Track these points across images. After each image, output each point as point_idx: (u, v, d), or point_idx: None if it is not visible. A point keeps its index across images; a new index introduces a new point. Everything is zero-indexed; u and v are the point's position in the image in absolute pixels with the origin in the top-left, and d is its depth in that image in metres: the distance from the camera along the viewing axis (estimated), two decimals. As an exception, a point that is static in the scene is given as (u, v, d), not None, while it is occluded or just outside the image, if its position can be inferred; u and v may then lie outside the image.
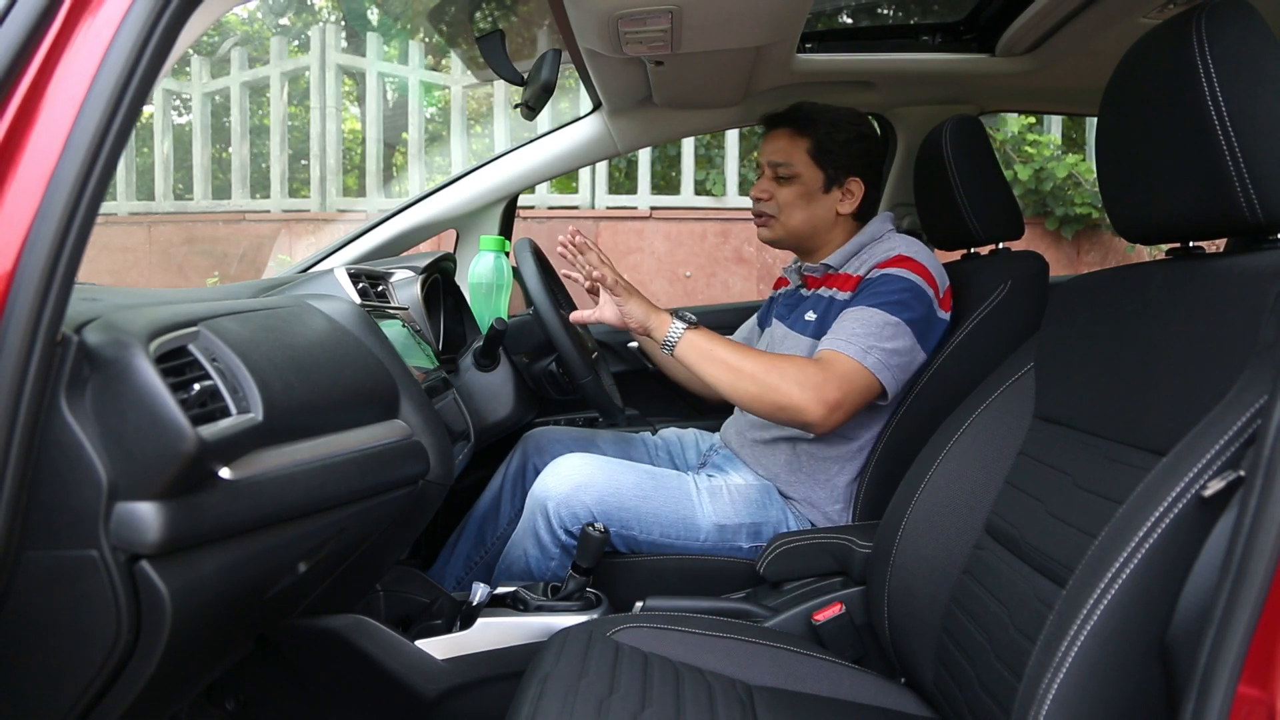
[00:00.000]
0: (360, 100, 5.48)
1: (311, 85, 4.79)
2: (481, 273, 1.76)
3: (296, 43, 5.61)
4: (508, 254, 1.82)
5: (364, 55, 4.82)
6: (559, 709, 0.89)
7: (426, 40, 4.93)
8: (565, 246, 1.39)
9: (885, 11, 2.39)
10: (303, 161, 5.13)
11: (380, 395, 1.05)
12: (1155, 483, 0.71)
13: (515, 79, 1.53)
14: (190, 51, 4.66)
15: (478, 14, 1.91)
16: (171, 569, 0.69)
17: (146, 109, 3.45)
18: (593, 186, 4.54)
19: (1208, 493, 0.66)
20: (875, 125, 1.60)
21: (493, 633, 1.24)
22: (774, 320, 1.68)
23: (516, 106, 1.61)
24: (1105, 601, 0.68)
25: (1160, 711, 0.67)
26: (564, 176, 3.16)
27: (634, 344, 1.89)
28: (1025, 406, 1.07)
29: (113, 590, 0.66)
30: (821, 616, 1.23)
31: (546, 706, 0.89)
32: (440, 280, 1.64)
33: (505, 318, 1.76)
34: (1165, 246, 0.94)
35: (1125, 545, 0.69)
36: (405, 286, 1.48)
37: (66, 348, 0.65)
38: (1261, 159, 0.77)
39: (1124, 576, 0.68)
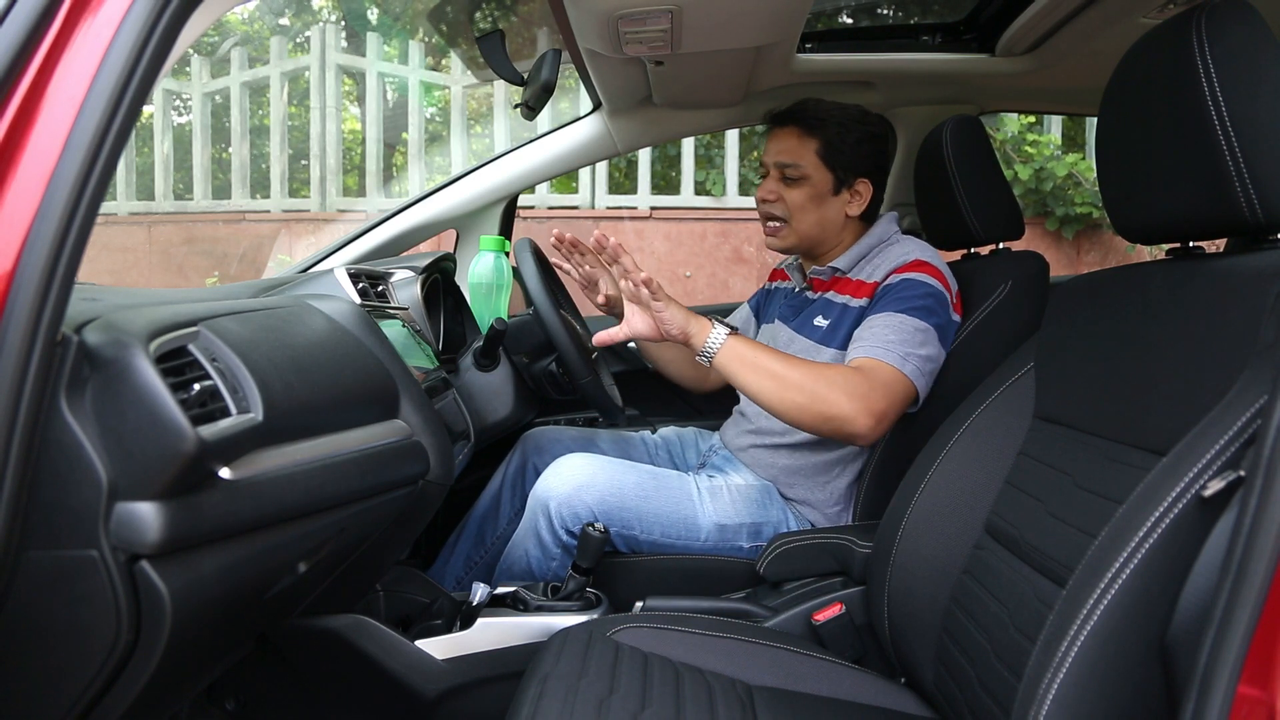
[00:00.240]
0: (360, 100, 5.48)
1: (311, 85, 4.79)
2: (481, 273, 1.76)
3: (295, 42, 5.62)
4: (508, 254, 1.82)
5: (364, 55, 4.82)
6: (559, 709, 0.89)
7: (426, 40, 4.93)
8: (592, 250, 1.30)
9: (885, 11, 2.39)
10: (303, 161, 5.13)
11: (380, 395, 1.05)
12: (1155, 483, 0.71)
13: (515, 79, 1.53)
14: (190, 51, 4.66)
15: (478, 14, 1.91)
16: (171, 569, 0.69)
17: (146, 109, 3.45)
18: (593, 186, 4.54)
19: (1208, 493, 0.66)
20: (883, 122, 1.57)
21: (493, 633, 1.24)
22: (776, 320, 1.65)
23: (516, 106, 1.61)
24: (1105, 601, 0.68)
25: (1160, 711, 0.67)
26: (564, 176, 3.17)
27: (633, 343, 1.88)
28: (1025, 406, 1.07)
29: (113, 590, 0.66)
30: (821, 616, 1.23)
31: (546, 706, 0.89)
32: (440, 280, 1.64)
33: (505, 318, 1.76)
34: (1165, 246, 0.94)
35: (1125, 545, 0.69)
36: (405, 286, 1.47)
37: (66, 348, 0.65)
38: (1261, 159, 0.77)
39: (1124, 576, 0.68)
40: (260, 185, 4.93)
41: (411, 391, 1.12)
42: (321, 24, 6.02)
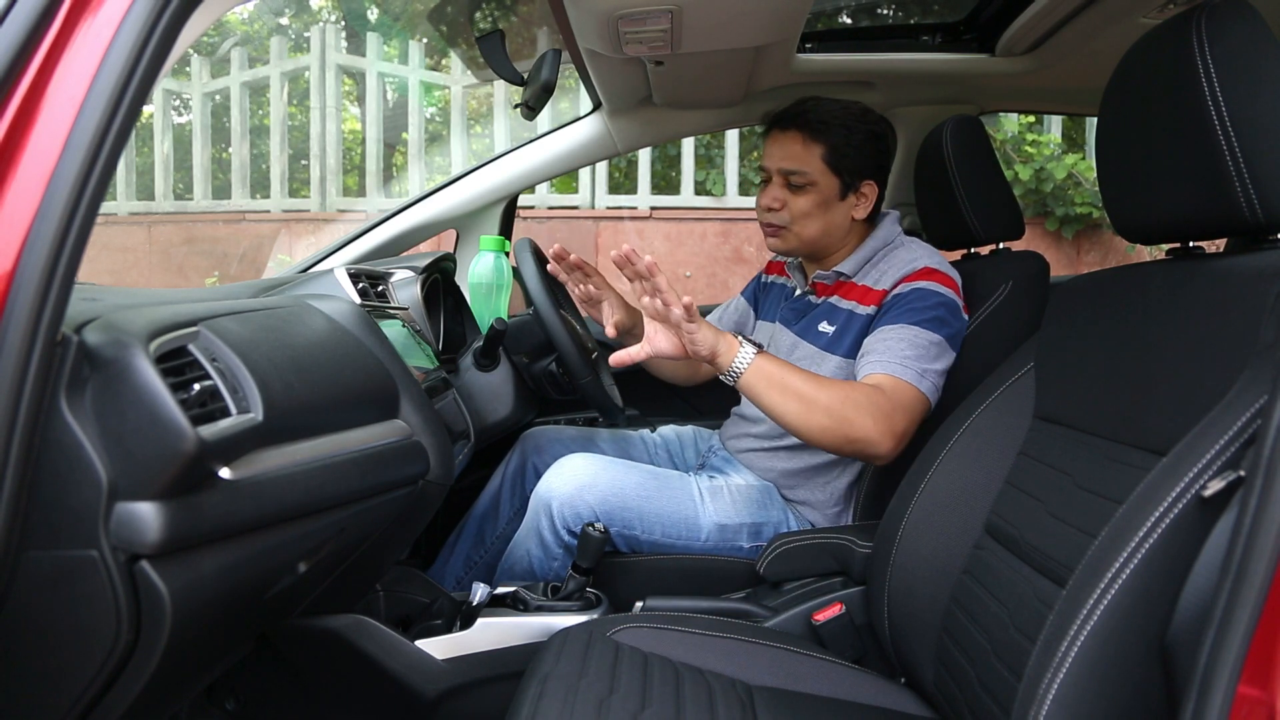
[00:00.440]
0: (360, 100, 5.48)
1: (311, 85, 4.79)
2: (481, 273, 1.76)
3: (295, 41, 5.61)
4: (508, 254, 1.82)
5: (364, 55, 4.83)
6: (559, 709, 0.89)
7: (426, 41, 4.93)
8: (623, 266, 1.16)
9: (885, 11, 2.39)
10: (303, 161, 5.13)
11: (380, 395, 1.05)
12: (1155, 483, 0.71)
13: (515, 79, 1.52)
14: (190, 51, 4.66)
15: (478, 14, 1.91)
16: (171, 569, 0.69)
17: (146, 109, 3.45)
18: (593, 186, 4.54)
19: (1208, 493, 0.66)
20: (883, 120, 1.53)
21: (493, 633, 1.24)
22: (777, 322, 1.62)
23: (516, 106, 1.61)
24: (1105, 601, 0.68)
25: (1160, 711, 0.67)
26: (564, 176, 3.17)
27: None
28: (1025, 406, 1.07)
29: (113, 590, 0.66)
30: (821, 616, 1.23)
31: (546, 706, 0.89)
32: (440, 280, 1.64)
33: (505, 318, 1.76)
34: (1165, 246, 0.94)
35: (1125, 545, 0.69)
36: (405, 286, 1.48)
37: (66, 348, 0.65)
38: (1261, 159, 0.77)
39: (1124, 576, 0.68)
40: (260, 185, 4.93)
41: (411, 391, 1.12)
42: (321, 24, 6.03)
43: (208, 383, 0.74)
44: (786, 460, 1.50)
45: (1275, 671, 0.51)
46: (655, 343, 1.20)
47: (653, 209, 4.49)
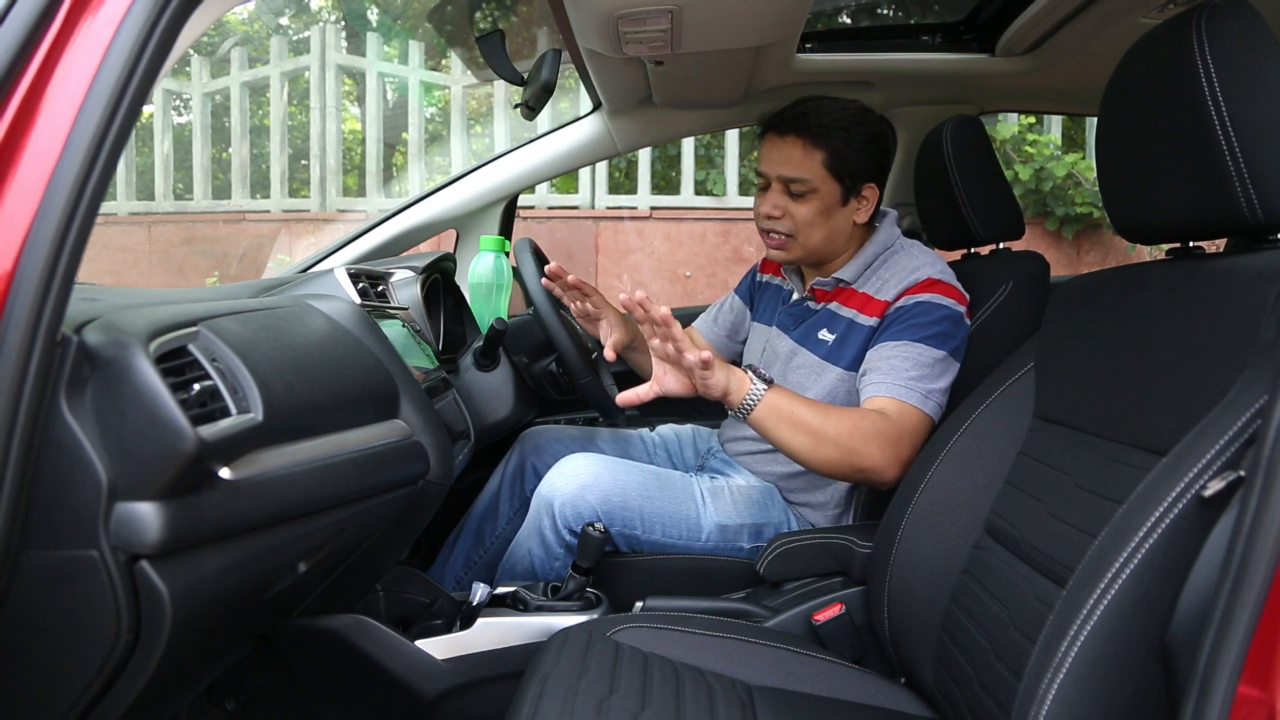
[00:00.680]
0: (360, 100, 5.48)
1: (311, 85, 4.79)
2: (481, 273, 1.76)
3: (296, 39, 5.62)
4: (508, 254, 1.82)
5: (364, 55, 4.83)
6: (559, 709, 0.89)
7: (426, 40, 4.94)
8: (639, 312, 1.14)
9: (885, 11, 2.39)
10: (303, 161, 5.13)
11: (380, 395, 1.05)
12: (1155, 483, 0.71)
13: (515, 79, 1.52)
14: (190, 51, 4.66)
15: (478, 14, 1.91)
16: (171, 569, 0.69)
17: (146, 109, 3.45)
18: (593, 186, 4.54)
19: (1208, 493, 0.66)
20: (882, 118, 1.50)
21: (493, 633, 1.24)
22: (774, 326, 1.59)
23: (516, 106, 1.61)
24: (1105, 601, 0.68)
25: (1160, 711, 0.67)
26: (564, 176, 3.17)
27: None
28: (1025, 406, 1.07)
29: (113, 590, 0.66)
30: (821, 616, 1.23)
31: (546, 706, 0.89)
32: (440, 280, 1.64)
33: (505, 318, 1.76)
34: (1165, 246, 0.94)
35: (1125, 545, 0.69)
36: (405, 286, 1.48)
37: (66, 348, 0.65)
38: (1261, 159, 0.77)
39: (1124, 576, 0.68)
40: (260, 185, 4.93)
41: (411, 391, 1.12)
42: (321, 24, 6.03)
43: (208, 383, 0.74)
44: (785, 464, 1.49)
45: (1275, 671, 0.51)
46: (665, 383, 1.19)
47: (653, 209, 4.49)
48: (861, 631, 1.23)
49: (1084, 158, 4.30)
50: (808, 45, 1.75)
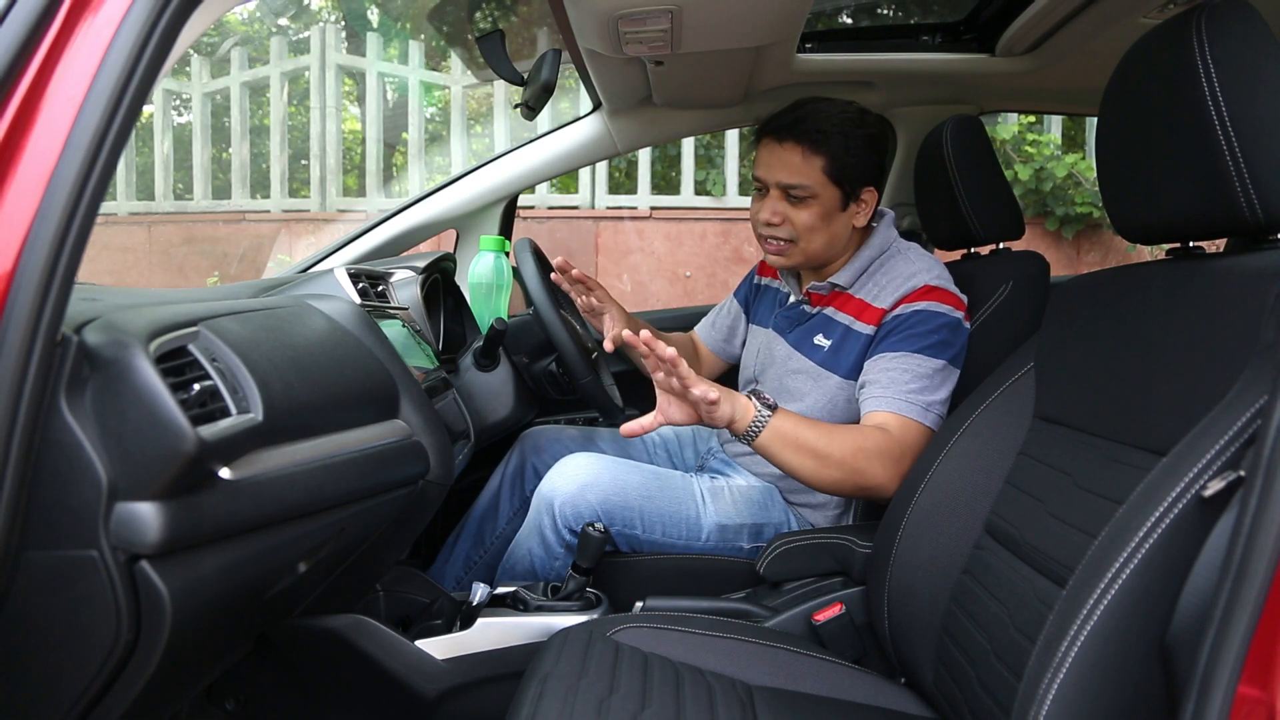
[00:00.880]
0: (360, 100, 5.48)
1: (311, 85, 4.79)
2: (481, 273, 1.76)
3: (296, 39, 5.62)
4: (508, 254, 1.82)
5: (364, 55, 4.83)
6: (559, 709, 0.89)
7: (426, 40, 4.94)
8: (648, 355, 1.12)
9: (885, 11, 2.39)
10: (303, 161, 5.13)
11: (380, 395, 1.05)
12: (1155, 483, 0.71)
13: (515, 79, 1.52)
14: (190, 51, 4.66)
15: (478, 14, 1.91)
16: (171, 569, 0.69)
17: (146, 109, 3.45)
18: (593, 186, 4.54)
19: (1208, 493, 0.66)
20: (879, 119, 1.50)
21: (493, 633, 1.24)
22: (770, 329, 1.59)
23: (516, 106, 1.61)
24: (1105, 601, 0.68)
25: (1160, 711, 0.67)
26: (564, 176, 3.17)
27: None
28: (1025, 406, 1.07)
29: (113, 590, 0.66)
30: (821, 616, 1.23)
31: (546, 706, 0.89)
32: (440, 280, 1.64)
33: (505, 318, 1.76)
34: (1165, 246, 0.94)
35: (1125, 545, 0.69)
36: (405, 286, 1.48)
37: (66, 348, 0.65)
38: (1261, 159, 0.77)
39: (1124, 576, 0.68)
40: (260, 185, 4.93)
41: (411, 391, 1.12)
42: (321, 24, 6.03)
43: (208, 383, 0.74)
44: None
45: (1275, 671, 0.51)
46: (669, 414, 1.19)
47: (653, 209, 4.49)
48: (861, 631, 1.23)
49: (1084, 158, 4.30)
50: (808, 45, 1.75)
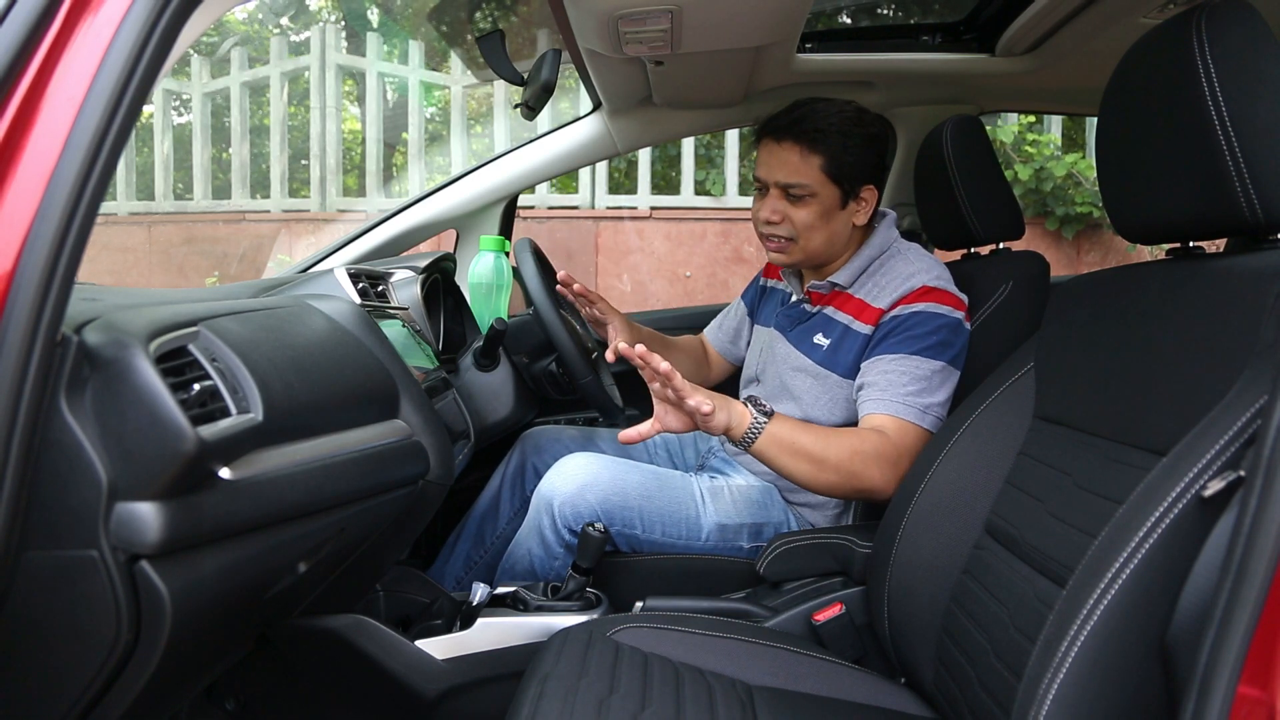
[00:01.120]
0: (360, 100, 5.49)
1: (311, 85, 4.79)
2: (481, 273, 1.76)
3: (297, 40, 5.62)
4: (508, 254, 1.82)
5: (364, 55, 4.83)
6: (559, 709, 0.89)
7: (426, 40, 4.94)
8: (641, 365, 1.16)
9: (885, 11, 2.39)
10: (303, 161, 5.13)
11: (380, 395, 1.05)
12: (1155, 483, 0.71)
13: (515, 79, 1.52)
14: (190, 51, 4.66)
15: (478, 14, 1.92)
16: (171, 569, 0.69)
17: (146, 109, 3.45)
18: (593, 186, 4.54)
19: (1208, 493, 0.66)
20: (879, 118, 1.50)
21: (493, 633, 1.24)
22: (773, 328, 1.60)
23: (516, 106, 1.61)
24: (1105, 601, 0.68)
25: (1160, 711, 0.67)
26: (564, 176, 3.17)
27: None
28: (1025, 406, 1.07)
29: (113, 590, 0.66)
30: (821, 616, 1.23)
31: (546, 706, 0.89)
32: (440, 280, 1.64)
33: (505, 318, 1.76)
34: (1165, 246, 0.94)
35: (1125, 545, 0.69)
36: (405, 286, 1.48)
37: (66, 348, 0.65)
38: (1261, 159, 0.77)
39: (1124, 576, 0.68)
40: (260, 185, 4.93)
41: (411, 391, 1.12)
42: (321, 24, 6.03)
43: (208, 383, 0.74)
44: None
45: (1275, 671, 0.51)
46: (666, 422, 1.21)
47: (653, 209, 4.49)
48: (861, 631, 1.24)
49: (1084, 158, 4.30)
50: (808, 45, 1.75)
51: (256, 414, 0.77)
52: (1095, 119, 1.53)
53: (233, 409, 0.76)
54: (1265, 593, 0.53)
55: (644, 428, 1.20)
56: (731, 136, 4.46)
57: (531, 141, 1.97)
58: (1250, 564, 0.54)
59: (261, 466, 0.77)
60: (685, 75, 1.64)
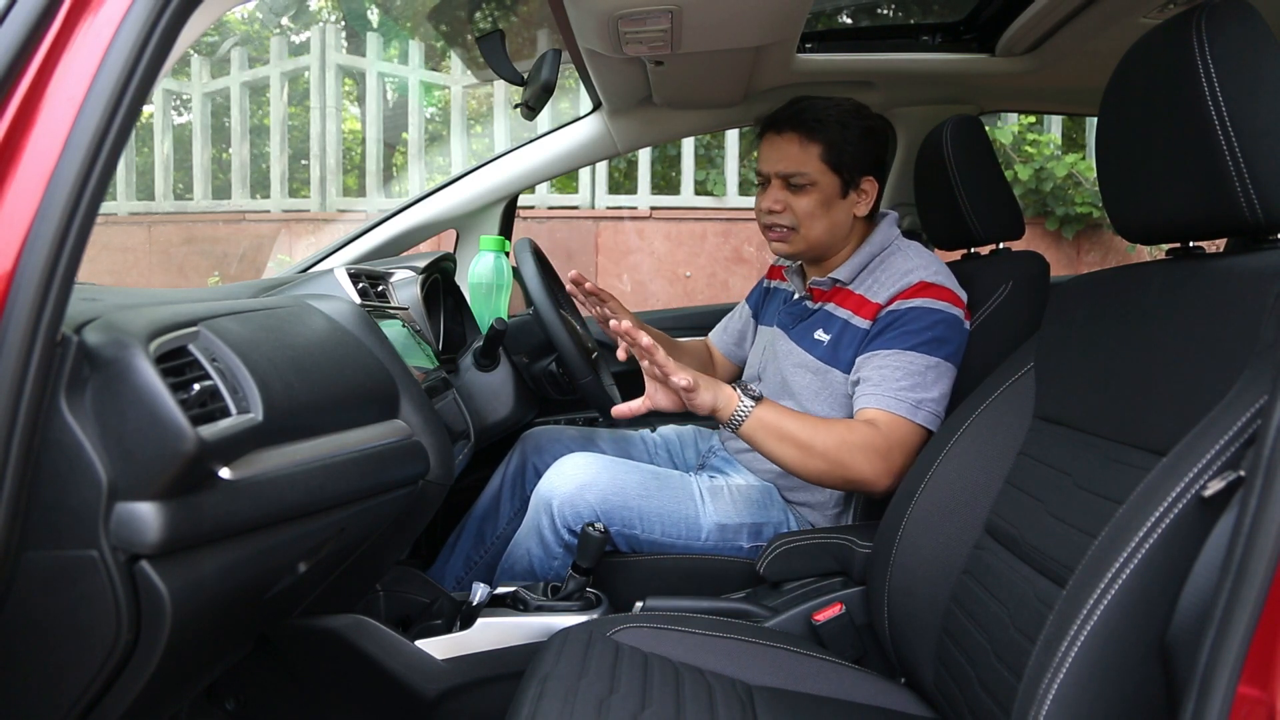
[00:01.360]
0: (360, 100, 5.49)
1: (311, 85, 4.79)
2: (481, 273, 1.76)
3: (297, 40, 5.62)
4: (508, 254, 1.82)
5: (364, 55, 4.83)
6: (559, 709, 0.89)
7: (426, 40, 4.94)
8: (628, 346, 1.22)
9: (885, 11, 2.39)
10: (303, 161, 5.13)
11: (380, 395, 1.05)
12: (1155, 483, 0.71)
13: (515, 79, 1.52)
14: (190, 51, 4.66)
15: (478, 14, 1.92)
16: (171, 569, 0.69)
17: (146, 109, 3.45)
18: (593, 186, 4.54)
19: (1208, 493, 0.66)
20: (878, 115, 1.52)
21: (493, 633, 1.24)
22: (775, 326, 1.61)
23: (516, 106, 1.61)
24: (1105, 601, 0.68)
25: (1160, 711, 0.67)
26: (564, 176, 3.16)
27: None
28: (1025, 406, 1.07)
29: (113, 590, 0.66)
30: (821, 616, 1.23)
31: (546, 706, 0.89)
32: (440, 280, 1.64)
33: (505, 318, 1.76)
34: (1165, 246, 0.94)
35: (1125, 545, 0.69)
36: (405, 286, 1.48)
37: (66, 348, 0.65)
38: (1261, 159, 0.77)
39: (1124, 576, 0.68)
40: (260, 185, 4.93)
41: (411, 391, 1.12)
42: (321, 24, 6.03)
43: (208, 383, 0.74)
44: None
45: (1275, 671, 0.51)
46: (656, 399, 1.25)
47: (653, 209, 4.49)
48: (861, 631, 1.24)
49: (1084, 158, 4.30)
50: (808, 45, 1.75)
51: (256, 414, 0.77)
52: (1095, 119, 1.53)
53: (233, 409, 0.76)
54: (1265, 593, 0.53)
55: (635, 403, 1.24)
56: (731, 136, 4.46)
57: (531, 141, 1.97)
58: (1250, 564, 0.54)
59: (261, 466, 0.77)
60: (685, 75, 1.65)
